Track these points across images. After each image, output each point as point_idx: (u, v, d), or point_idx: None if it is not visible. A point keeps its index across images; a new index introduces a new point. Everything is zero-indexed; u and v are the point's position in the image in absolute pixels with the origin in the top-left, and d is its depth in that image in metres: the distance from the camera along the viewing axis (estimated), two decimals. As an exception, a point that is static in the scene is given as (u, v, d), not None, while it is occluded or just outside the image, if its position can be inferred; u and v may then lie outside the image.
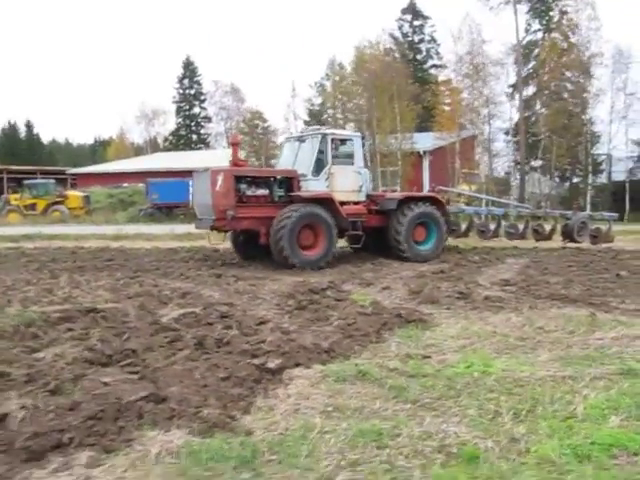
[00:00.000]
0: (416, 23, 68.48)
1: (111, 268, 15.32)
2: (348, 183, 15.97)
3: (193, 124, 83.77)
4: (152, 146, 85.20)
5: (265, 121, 37.20)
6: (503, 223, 19.53)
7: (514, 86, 45.95)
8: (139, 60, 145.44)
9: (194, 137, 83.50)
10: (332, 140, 15.77)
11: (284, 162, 16.89)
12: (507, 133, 47.61)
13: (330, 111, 40.19)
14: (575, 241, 18.88)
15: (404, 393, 5.84)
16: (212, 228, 15.06)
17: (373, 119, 32.72)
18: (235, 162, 15.62)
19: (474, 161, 40.51)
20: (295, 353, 6.95)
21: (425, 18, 68.62)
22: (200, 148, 78.53)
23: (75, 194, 37.35)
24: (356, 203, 16.19)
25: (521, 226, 19.15)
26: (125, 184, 43.64)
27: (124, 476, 4.31)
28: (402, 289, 11.53)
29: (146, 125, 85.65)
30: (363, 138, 17.10)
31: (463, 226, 20.09)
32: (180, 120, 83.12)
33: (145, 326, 8.40)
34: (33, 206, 34.84)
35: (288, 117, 36.12)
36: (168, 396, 5.59)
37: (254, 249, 15.95)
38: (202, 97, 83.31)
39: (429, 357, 7.08)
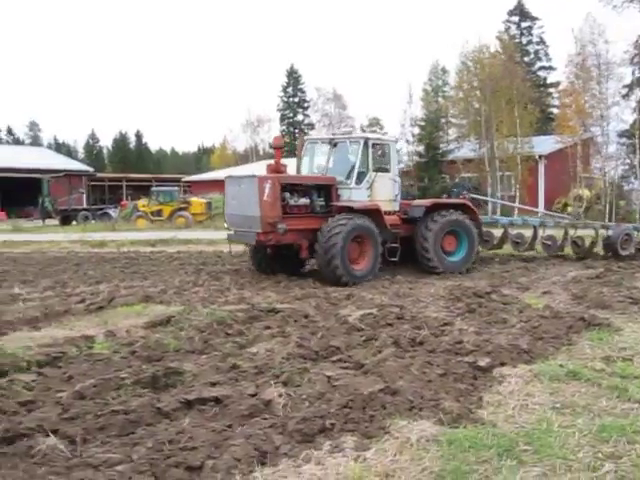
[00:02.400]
0: (524, 25, 67.28)
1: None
2: (386, 192, 14.76)
3: (297, 131, 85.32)
4: (255, 153, 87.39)
5: (382, 127, 37.77)
6: (540, 234, 17.86)
7: (629, 86, 44.40)
8: (246, 70, 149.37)
9: (297, 144, 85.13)
10: (373, 145, 14.52)
11: (309, 167, 15.33)
12: (622, 135, 46.05)
13: (445, 117, 40.10)
14: (618, 254, 17.85)
15: (625, 393, 6.01)
16: (257, 243, 13.57)
17: (492, 123, 32.49)
18: (277, 168, 14.16)
19: (591, 165, 39.36)
20: (498, 353, 7.22)
21: (533, 19, 67.29)
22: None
23: (198, 200, 38.91)
24: (391, 213, 14.93)
25: (559, 238, 17.85)
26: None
27: (398, 459, 4.70)
28: (564, 294, 11.57)
29: (251, 133, 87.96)
30: (396, 142, 16.03)
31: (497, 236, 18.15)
32: (284, 127, 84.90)
33: (335, 325, 8.91)
34: (159, 212, 36.62)
35: (404, 123, 36.31)
36: (400, 390, 5.99)
37: (279, 264, 14.60)
38: (305, 104, 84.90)
39: (630, 359, 7.17)
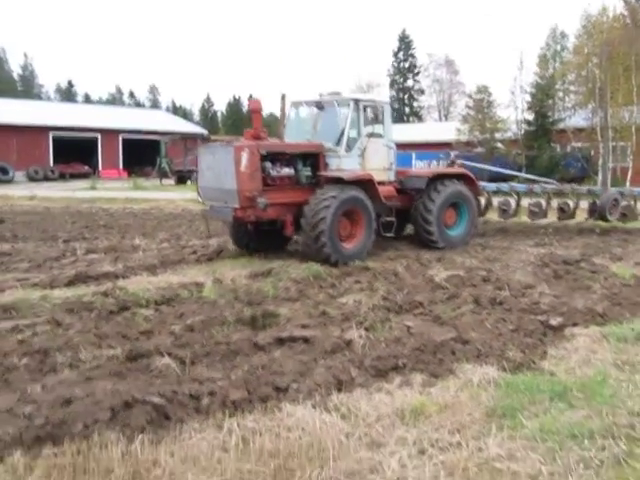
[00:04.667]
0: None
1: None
2: (380, 160, 13.26)
3: (406, 97, 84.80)
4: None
5: (490, 95, 37.17)
6: (529, 201, 17.28)
7: None
8: (357, 34, 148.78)
9: (407, 110, 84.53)
10: (365, 108, 12.94)
11: (295, 133, 13.62)
12: None
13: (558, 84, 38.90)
14: (606, 220, 17.03)
15: (690, 356, 6.31)
16: (235, 219, 11.87)
17: (606, 91, 31.33)
18: (256, 134, 12.24)
19: None
20: (572, 314, 7.61)
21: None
22: (412, 121, 79.51)
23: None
24: (386, 183, 13.43)
25: (544, 204, 17.20)
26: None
27: (458, 395, 5.33)
28: (658, 265, 11.59)
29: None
30: (390, 104, 14.36)
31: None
32: (394, 93, 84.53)
33: (421, 283, 9.52)
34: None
35: (514, 90, 35.63)
36: (470, 340, 6.59)
37: (261, 240, 13.00)
38: (416, 70, 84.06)
39: None
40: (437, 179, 13.75)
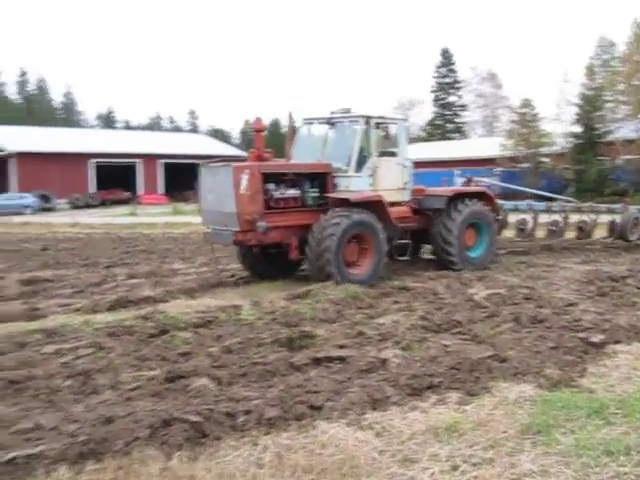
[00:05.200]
0: None
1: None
2: (393, 179, 12.99)
3: (449, 113, 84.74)
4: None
5: (534, 109, 37.05)
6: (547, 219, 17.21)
7: None
8: (397, 52, 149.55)
9: (449, 126, 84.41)
10: (377, 125, 12.73)
11: (303, 152, 13.29)
12: None
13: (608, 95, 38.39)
14: (627, 239, 16.56)
15: None
16: (235, 243, 11.83)
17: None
18: (259, 154, 12.17)
19: None
20: (614, 331, 7.65)
21: None
22: (455, 138, 79.35)
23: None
24: (400, 204, 13.24)
25: (562, 222, 17.00)
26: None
27: (493, 413, 5.45)
28: None
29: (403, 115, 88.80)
30: (406, 120, 14.18)
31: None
32: (436, 109, 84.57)
33: (461, 302, 9.64)
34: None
35: (559, 103, 35.45)
36: (508, 358, 6.70)
37: (269, 265, 12.83)
38: (458, 85, 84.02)
39: None
40: (457, 198, 13.47)
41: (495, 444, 4.84)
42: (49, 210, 45.61)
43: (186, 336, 8.01)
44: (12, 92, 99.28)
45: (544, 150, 36.09)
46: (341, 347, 7.31)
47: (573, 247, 16.87)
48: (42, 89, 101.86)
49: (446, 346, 7.26)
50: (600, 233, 17.49)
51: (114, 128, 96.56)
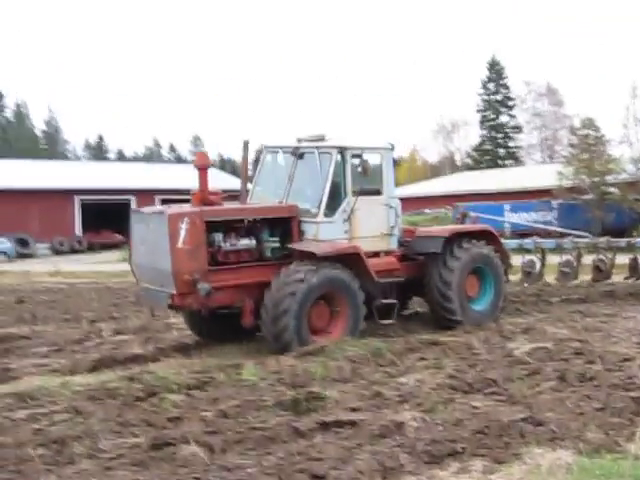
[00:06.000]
0: None
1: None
2: (376, 224, 12.43)
3: (500, 136, 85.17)
4: (450, 164, 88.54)
5: (598, 130, 37.26)
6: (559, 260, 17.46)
7: None
8: (436, 70, 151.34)
9: (501, 152, 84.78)
10: (354, 157, 12.07)
11: (266, 189, 12.99)
12: None
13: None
14: None
15: None
16: (170, 307, 11.41)
17: None
18: (204, 197, 11.56)
19: None
20: (673, 391, 7.86)
21: None
22: (507, 165, 79.64)
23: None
24: (385, 253, 12.74)
25: (575, 262, 17.29)
26: (427, 209, 46.38)
27: (522, 482, 5.70)
28: None
29: (444, 140, 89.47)
30: (392, 150, 13.23)
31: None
32: (484, 132, 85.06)
33: (498, 358, 9.91)
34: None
35: (627, 123, 35.67)
36: (545, 420, 6.96)
37: (223, 327, 12.27)
38: (510, 103, 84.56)
39: None
40: (454, 240, 12.97)
41: (520, 517, 5.09)
42: (28, 256, 46.49)
43: (177, 399, 8.38)
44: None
45: (610, 179, 36.20)
46: (353, 410, 7.61)
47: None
48: (20, 115, 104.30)
49: (475, 408, 7.55)
50: (622, 273, 17.65)
51: (105, 159, 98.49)
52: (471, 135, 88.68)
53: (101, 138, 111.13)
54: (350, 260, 11.60)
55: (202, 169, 11.65)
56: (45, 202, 51.27)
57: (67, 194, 52.69)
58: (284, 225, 11.86)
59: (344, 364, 9.83)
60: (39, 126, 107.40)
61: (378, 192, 12.62)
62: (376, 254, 12.42)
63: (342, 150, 12.02)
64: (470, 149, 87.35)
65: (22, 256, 46.24)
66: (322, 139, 12.43)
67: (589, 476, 5.70)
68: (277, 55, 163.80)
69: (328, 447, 6.41)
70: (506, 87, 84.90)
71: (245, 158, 12.81)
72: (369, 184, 12.47)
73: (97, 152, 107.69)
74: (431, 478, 5.85)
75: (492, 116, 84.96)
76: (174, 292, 10.75)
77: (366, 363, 9.94)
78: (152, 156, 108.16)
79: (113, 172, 61.62)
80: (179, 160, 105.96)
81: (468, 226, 15.10)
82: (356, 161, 12.01)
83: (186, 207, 11.67)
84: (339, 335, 11.26)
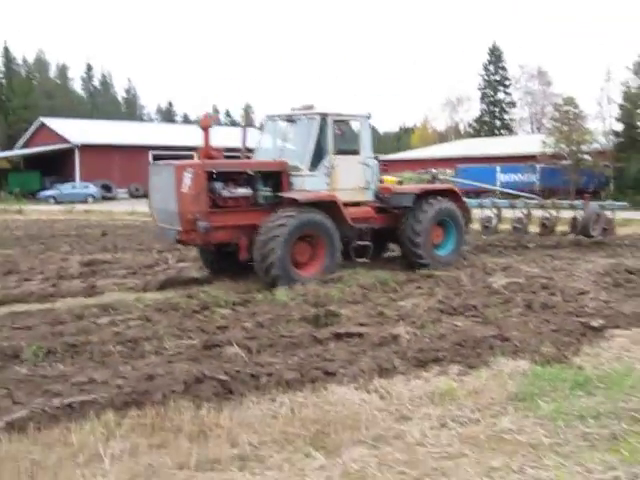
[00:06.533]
0: None
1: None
2: (353, 179, 12.39)
3: (497, 110, 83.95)
4: (455, 133, 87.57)
5: (577, 107, 36.71)
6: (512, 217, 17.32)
7: None
8: (447, 48, 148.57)
9: (497, 123, 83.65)
10: (334, 122, 12.10)
11: (265, 150, 13.09)
12: None
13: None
14: (589, 235, 16.49)
15: None
16: (178, 242, 11.66)
17: None
18: (207, 152, 11.75)
19: None
20: (615, 318, 8.07)
21: None
22: (503, 134, 78.65)
23: (390, 178, 40.71)
24: (363, 204, 12.66)
25: (525, 219, 17.13)
26: (433, 169, 46.20)
27: (487, 383, 5.98)
28: None
29: (450, 112, 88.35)
30: (369, 118, 13.05)
31: None
32: (484, 106, 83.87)
33: (479, 289, 10.14)
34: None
35: (601, 101, 35.12)
36: (510, 337, 7.20)
37: (229, 263, 12.17)
38: (507, 82, 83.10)
39: None
40: (424, 196, 12.95)
41: (483, 408, 5.38)
42: (110, 199, 47.27)
43: (225, 312, 8.74)
44: (78, 87, 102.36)
45: (585, 148, 35.82)
46: (361, 325, 7.90)
47: (604, 243, 16.99)
48: (106, 84, 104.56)
49: (456, 326, 7.80)
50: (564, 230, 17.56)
51: (173, 122, 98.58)
52: (473, 109, 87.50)
53: (170, 104, 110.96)
54: (329, 207, 11.62)
55: (205, 129, 11.84)
56: (124, 155, 51.82)
57: (142, 149, 53.01)
58: (276, 178, 11.91)
59: (356, 290, 10.11)
60: (121, 93, 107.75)
61: (356, 152, 12.55)
62: (355, 204, 12.42)
63: (324, 116, 12.01)
64: (472, 120, 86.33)
65: (106, 199, 47.05)
66: (311, 108, 12.53)
67: (540, 380, 5.95)
68: (277, 54, 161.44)
69: (339, 352, 6.73)
70: (504, 69, 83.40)
71: (245, 123, 13.32)
72: (348, 145, 12.56)
73: (167, 115, 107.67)
74: (417, 377, 6.14)
75: (491, 93, 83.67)
76: (180, 229, 10.94)
77: (374, 289, 10.22)
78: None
79: (179, 132, 61.72)
80: (233, 124, 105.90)
81: (435, 185, 15.37)
82: (336, 125, 12.12)
83: (191, 160, 11.84)
84: (319, 269, 11.35)
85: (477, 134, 79.98)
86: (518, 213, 17.32)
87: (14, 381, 5.86)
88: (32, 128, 59.86)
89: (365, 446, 4.68)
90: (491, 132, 79.86)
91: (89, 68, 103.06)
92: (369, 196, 12.78)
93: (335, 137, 12.11)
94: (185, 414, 5.12)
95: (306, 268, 11.32)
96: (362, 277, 11.11)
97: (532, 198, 18.62)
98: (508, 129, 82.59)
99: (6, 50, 78.78)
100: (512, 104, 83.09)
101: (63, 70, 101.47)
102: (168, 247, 14.82)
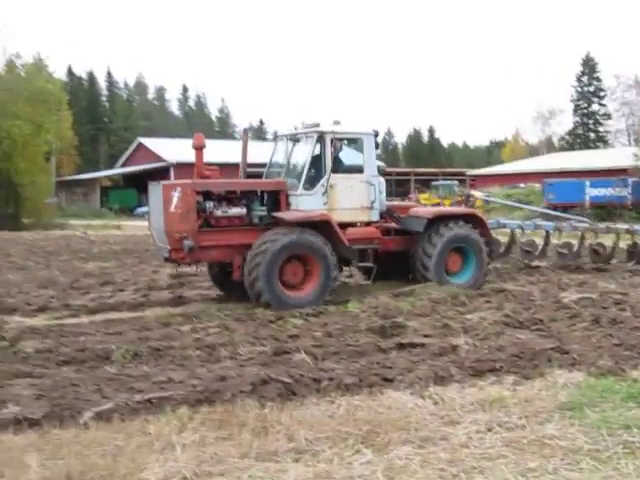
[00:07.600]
0: None
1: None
2: (355, 198, 11.91)
3: (591, 122, 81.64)
4: (547, 146, 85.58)
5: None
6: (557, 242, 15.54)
7: None
8: (537, 61, 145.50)
9: (592, 135, 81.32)
10: (332, 141, 11.66)
11: (274, 169, 12.95)
12: None
13: None
14: None
15: None
16: (167, 260, 11.60)
17: None
18: (200, 172, 11.70)
19: None
20: (683, 333, 8.03)
21: None
22: (598, 147, 76.32)
23: (476, 194, 40.44)
24: (367, 224, 12.16)
25: (576, 245, 15.36)
26: (522, 184, 45.48)
27: (539, 393, 6.20)
28: None
29: (542, 125, 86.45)
30: (376, 136, 12.45)
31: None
32: (577, 119, 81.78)
33: (549, 304, 10.22)
34: (438, 205, 39.07)
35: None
36: (570, 350, 7.35)
37: (236, 282, 11.47)
38: (602, 94, 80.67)
39: None
40: (440, 220, 12.33)
41: (530, 415, 5.61)
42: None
43: (298, 322, 9.30)
44: (175, 108, 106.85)
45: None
46: (425, 336, 8.23)
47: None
48: (200, 104, 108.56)
49: (518, 339, 7.99)
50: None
51: (264, 140, 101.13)
52: (565, 121, 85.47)
53: (261, 122, 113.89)
54: (323, 227, 11.26)
55: (198, 149, 11.85)
56: (226, 170, 53.48)
57: (235, 166, 54.65)
58: (273, 197, 11.77)
59: (426, 303, 10.39)
60: (214, 113, 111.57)
61: (360, 170, 12.17)
62: (353, 224, 12.04)
63: (321, 134, 11.74)
64: (564, 133, 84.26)
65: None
66: (318, 125, 12.20)
67: (592, 391, 6.12)
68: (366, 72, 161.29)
69: (399, 360, 7.10)
70: (599, 80, 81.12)
71: (244, 142, 13.50)
72: (349, 163, 12.29)
73: (258, 133, 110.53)
74: (472, 386, 6.42)
75: (584, 105, 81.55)
76: (170, 248, 10.93)
77: (444, 303, 10.45)
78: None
79: (270, 149, 63.33)
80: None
81: (453, 209, 14.94)
82: (335, 144, 11.69)
83: (180, 180, 12.19)
84: (310, 292, 11.02)
85: (570, 147, 78.02)
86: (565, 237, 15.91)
87: (104, 379, 6.59)
88: (131, 148, 63.23)
89: (412, 445, 5.03)
90: (585, 145, 77.73)
91: (185, 89, 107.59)
92: (374, 216, 12.24)
93: (336, 156, 11.86)
94: (250, 412, 5.63)
95: (297, 290, 11.06)
96: (434, 291, 11.37)
97: (582, 221, 16.95)
98: (603, 141, 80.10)
99: (109, 75, 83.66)
100: (607, 116, 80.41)
101: (161, 92, 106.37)
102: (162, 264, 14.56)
